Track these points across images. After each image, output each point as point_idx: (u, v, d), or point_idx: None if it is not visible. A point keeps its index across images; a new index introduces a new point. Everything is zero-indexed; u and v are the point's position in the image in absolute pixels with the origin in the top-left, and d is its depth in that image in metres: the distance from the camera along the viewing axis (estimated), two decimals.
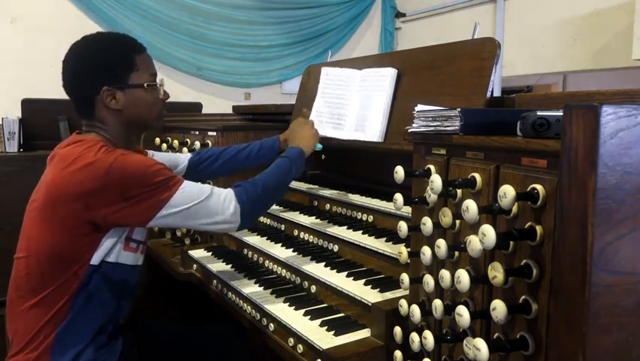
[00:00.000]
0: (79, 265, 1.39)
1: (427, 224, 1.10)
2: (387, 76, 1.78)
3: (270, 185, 1.57)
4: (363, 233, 1.69)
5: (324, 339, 1.33)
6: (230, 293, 1.75)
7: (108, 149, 1.39)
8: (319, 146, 1.91)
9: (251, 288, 1.70)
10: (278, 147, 1.95)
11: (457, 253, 1.05)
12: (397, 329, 1.21)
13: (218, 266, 1.93)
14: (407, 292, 1.24)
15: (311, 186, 2.15)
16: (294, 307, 1.53)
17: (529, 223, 0.88)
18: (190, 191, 1.41)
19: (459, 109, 1.06)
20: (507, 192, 0.87)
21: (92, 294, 1.42)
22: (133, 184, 1.35)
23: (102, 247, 1.41)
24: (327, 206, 1.98)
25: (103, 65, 1.48)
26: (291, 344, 1.41)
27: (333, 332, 1.36)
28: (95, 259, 1.40)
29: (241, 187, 1.51)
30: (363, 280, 1.50)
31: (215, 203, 1.44)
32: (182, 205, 1.39)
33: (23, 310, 1.40)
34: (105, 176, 1.33)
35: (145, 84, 1.51)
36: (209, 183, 2.18)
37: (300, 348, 1.38)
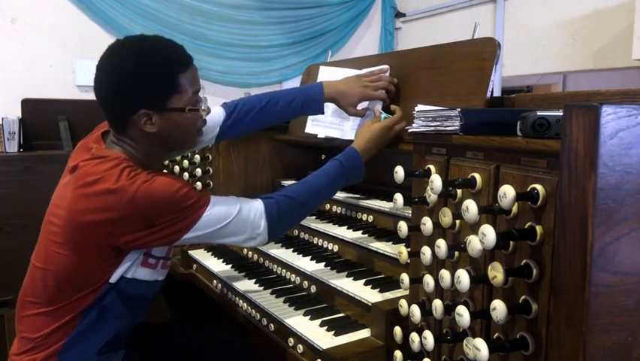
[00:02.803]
0: (98, 285, 1.35)
1: (427, 224, 1.10)
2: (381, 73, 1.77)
3: (309, 202, 1.47)
4: (363, 233, 1.69)
5: (324, 339, 1.33)
6: (230, 293, 1.75)
7: (132, 171, 1.29)
8: (384, 115, 1.68)
9: (251, 288, 1.70)
10: (322, 102, 1.75)
11: (457, 253, 1.05)
12: (397, 329, 1.21)
13: (218, 266, 1.93)
14: (407, 292, 1.25)
15: None
16: (294, 307, 1.53)
17: (529, 223, 0.88)
18: (217, 212, 1.34)
19: (459, 109, 1.06)
20: (507, 192, 0.87)
21: (107, 308, 1.38)
22: (158, 213, 1.28)
23: (122, 266, 1.36)
24: (327, 206, 1.98)
25: (144, 87, 1.34)
26: (291, 344, 1.41)
27: (333, 332, 1.36)
28: (114, 278, 1.36)
29: (273, 200, 1.42)
30: (363, 280, 1.50)
31: (244, 222, 1.38)
32: (208, 228, 1.33)
33: (34, 314, 1.38)
34: (128, 205, 1.26)
35: (187, 108, 1.38)
36: (208, 173, 2.17)
37: (300, 348, 1.38)
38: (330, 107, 1.98)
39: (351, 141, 1.66)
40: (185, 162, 2.30)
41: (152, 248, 1.41)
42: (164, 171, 1.58)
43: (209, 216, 1.33)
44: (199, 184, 2.21)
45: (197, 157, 2.23)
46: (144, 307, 1.50)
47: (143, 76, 1.34)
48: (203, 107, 1.43)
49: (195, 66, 1.43)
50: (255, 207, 1.40)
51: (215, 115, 1.71)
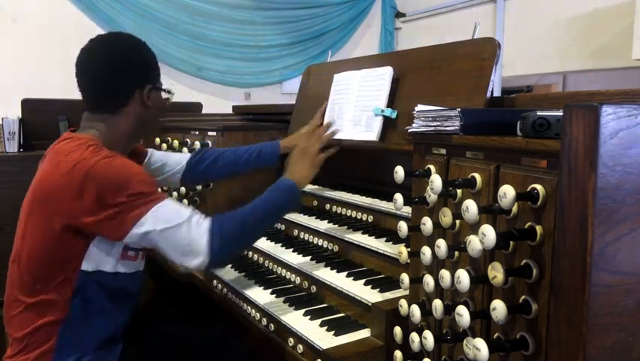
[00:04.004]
0: (69, 270, 1.36)
1: (427, 224, 1.10)
2: (384, 75, 1.78)
3: (249, 222, 1.44)
4: (363, 233, 1.69)
5: (324, 339, 1.33)
6: (230, 293, 1.75)
7: (95, 149, 1.35)
8: (388, 111, 1.70)
9: (251, 288, 1.70)
10: (278, 153, 1.90)
11: (457, 253, 1.05)
12: (397, 329, 1.21)
13: None
14: (407, 292, 1.24)
15: (311, 186, 2.15)
16: (294, 307, 1.53)
17: (529, 223, 0.88)
18: (165, 211, 1.32)
19: (459, 109, 1.06)
20: (507, 192, 0.87)
21: (90, 301, 1.39)
22: (111, 191, 1.29)
23: (94, 255, 1.37)
24: (327, 206, 1.98)
25: (141, 64, 1.51)
26: (291, 344, 1.41)
27: (333, 332, 1.36)
28: (88, 266, 1.37)
29: (217, 219, 1.39)
30: (363, 280, 1.50)
31: (187, 232, 1.33)
32: (156, 225, 1.31)
33: (19, 312, 1.39)
34: (84, 179, 1.29)
35: (166, 89, 1.59)
36: (208, 187, 2.18)
37: (300, 348, 1.38)
38: (335, 109, 1.99)
39: (351, 141, 1.66)
40: None
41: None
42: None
43: (158, 212, 1.31)
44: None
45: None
46: (129, 302, 1.51)
47: (138, 56, 1.52)
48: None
49: None
50: (203, 223, 1.36)
51: (182, 155, 1.95)
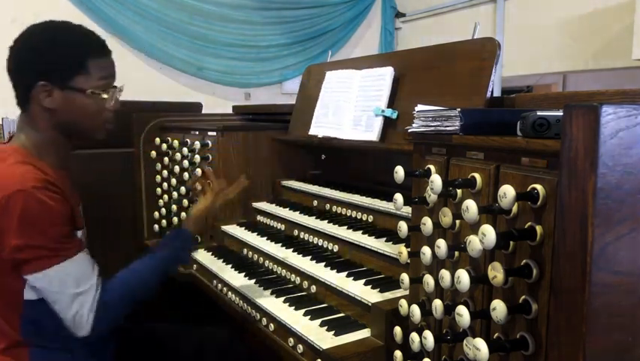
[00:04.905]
0: (13, 300, 1.32)
1: (427, 224, 1.10)
2: (385, 75, 1.78)
3: (138, 295, 1.42)
4: (363, 233, 1.69)
5: (324, 339, 1.33)
6: (230, 293, 1.75)
7: (22, 165, 1.28)
8: (389, 112, 1.67)
9: (251, 288, 1.70)
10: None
11: (457, 253, 1.05)
12: (397, 329, 1.21)
13: (218, 266, 1.93)
14: (407, 292, 1.24)
15: (311, 186, 2.15)
16: (294, 307, 1.53)
17: (529, 223, 0.88)
18: (64, 275, 1.27)
19: (459, 109, 1.06)
20: (507, 192, 0.87)
21: (44, 327, 1.35)
22: (11, 231, 1.23)
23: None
24: (327, 206, 1.98)
25: (49, 58, 1.36)
26: (291, 344, 1.41)
27: (333, 332, 1.36)
28: (30, 295, 1.33)
29: (109, 296, 1.34)
30: (363, 280, 1.50)
31: (79, 305, 1.28)
32: (47, 285, 1.27)
33: None
34: (5, 201, 1.22)
35: (89, 90, 1.38)
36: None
37: (300, 348, 1.38)
38: (330, 107, 1.99)
39: (350, 141, 1.65)
40: (186, 162, 2.30)
41: None
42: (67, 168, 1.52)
43: (57, 272, 1.27)
44: (199, 184, 2.20)
45: (197, 157, 2.23)
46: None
47: (49, 49, 1.37)
48: (107, 96, 1.41)
49: (113, 62, 1.45)
50: (95, 301, 1.32)
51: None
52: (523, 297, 0.89)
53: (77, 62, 1.37)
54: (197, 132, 2.33)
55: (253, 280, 1.76)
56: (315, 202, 2.06)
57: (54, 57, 1.36)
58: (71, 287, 1.28)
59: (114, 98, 1.45)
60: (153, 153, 2.46)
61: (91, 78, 1.38)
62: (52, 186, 1.29)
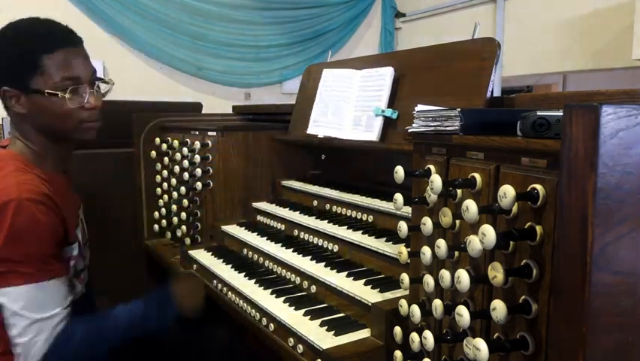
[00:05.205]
0: None
1: (427, 224, 1.10)
2: (385, 75, 1.78)
3: (99, 347, 1.35)
4: (363, 233, 1.69)
5: (324, 339, 1.33)
6: (230, 293, 1.75)
7: (22, 174, 1.24)
8: (389, 112, 1.65)
9: (251, 288, 1.70)
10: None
11: (457, 253, 1.05)
12: (397, 329, 1.21)
13: (218, 266, 1.93)
14: (407, 292, 1.24)
15: (311, 186, 2.15)
16: (294, 307, 1.53)
17: (529, 223, 0.88)
18: (32, 295, 1.21)
19: (459, 109, 1.06)
20: (507, 192, 0.87)
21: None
22: (10, 242, 1.19)
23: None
24: (327, 206, 1.98)
25: (2, 63, 1.32)
26: (291, 344, 1.41)
27: (333, 332, 1.36)
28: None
29: (68, 336, 1.27)
30: (363, 280, 1.50)
31: (37, 331, 1.22)
32: (11, 303, 1.21)
33: None
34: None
35: (45, 91, 1.30)
36: (208, 186, 2.17)
37: (300, 348, 1.38)
38: (330, 106, 1.98)
39: (350, 141, 1.65)
40: (186, 162, 2.30)
41: None
42: (66, 172, 1.48)
43: (26, 292, 1.21)
44: (199, 184, 2.21)
45: (197, 157, 2.23)
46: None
47: (2, 53, 1.32)
48: (68, 95, 1.32)
49: (75, 51, 1.35)
50: (51, 334, 1.25)
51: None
52: (523, 297, 0.89)
53: (31, 62, 1.31)
54: (197, 132, 2.33)
55: (253, 280, 1.76)
56: (315, 202, 2.06)
57: (7, 61, 1.32)
58: (34, 312, 1.23)
59: (87, 96, 1.35)
60: (153, 153, 2.46)
61: (49, 77, 1.31)
62: (47, 199, 1.26)
